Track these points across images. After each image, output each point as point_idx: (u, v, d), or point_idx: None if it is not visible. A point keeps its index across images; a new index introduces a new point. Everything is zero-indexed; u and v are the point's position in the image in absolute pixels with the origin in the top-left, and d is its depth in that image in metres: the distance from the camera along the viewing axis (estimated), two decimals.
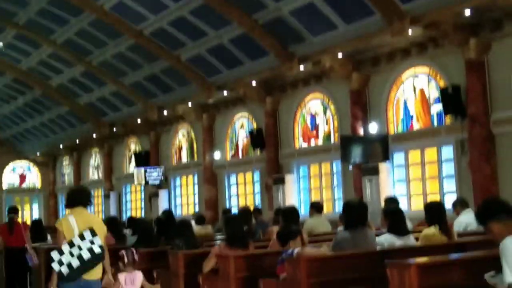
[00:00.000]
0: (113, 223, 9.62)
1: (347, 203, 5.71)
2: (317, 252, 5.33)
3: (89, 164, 26.25)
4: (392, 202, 7.85)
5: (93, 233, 5.32)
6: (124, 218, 19.72)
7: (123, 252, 5.95)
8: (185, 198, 20.70)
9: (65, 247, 5.25)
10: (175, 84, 18.09)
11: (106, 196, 23.69)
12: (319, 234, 8.59)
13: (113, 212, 22.50)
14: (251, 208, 12.09)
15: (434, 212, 5.89)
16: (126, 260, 5.87)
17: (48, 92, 22.26)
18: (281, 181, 15.59)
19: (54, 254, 5.26)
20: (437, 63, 12.23)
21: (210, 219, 16.34)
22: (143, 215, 21.60)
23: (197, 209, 19.00)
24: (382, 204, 9.15)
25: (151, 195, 20.85)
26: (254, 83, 15.64)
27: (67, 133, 24.97)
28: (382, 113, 13.42)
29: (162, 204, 19.97)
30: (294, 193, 15.70)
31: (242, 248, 6.25)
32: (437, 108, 12.40)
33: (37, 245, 9.72)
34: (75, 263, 5.22)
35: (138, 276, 5.91)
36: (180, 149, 20.68)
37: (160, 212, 14.46)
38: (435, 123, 12.50)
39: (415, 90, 12.90)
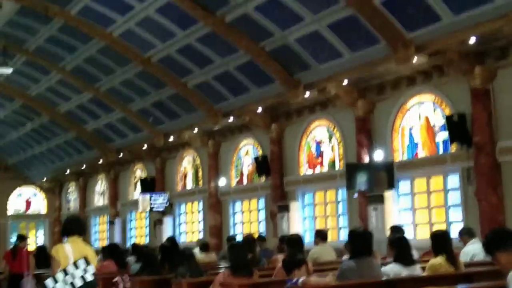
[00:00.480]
0: (115, 251, 9.60)
1: (352, 232, 5.66)
2: (322, 282, 5.27)
3: (94, 190, 26.25)
4: (397, 231, 7.80)
5: (87, 262, 5.47)
6: (128, 245, 19.64)
7: (119, 278, 6.16)
8: (189, 225, 20.61)
9: (60, 275, 5.40)
10: (181, 110, 18.17)
11: (111, 223, 23.63)
12: (324, 262, 8.52)
13: (117, 238, 22.42)
14: (256, 235, 12.03)
15: (440, 241, 5.83)
16: (121, 286, 6.09)
17: (56, 118, 22.40)
18: (286, 208, 15.53)
19: (49, 282, 5.41)
20: (443, 91, 12.25)
21: (214, 247, 16.26)
22: (147, 242, 21.50)
23: (201, 236, 18.91)
24: (388, 232, 9.09)
25: (155, 221, 20.79)
26: (260, 109, 15.69)
27: (73, 159, 25.04)
28: (388, 140, 13.41)
29: (167, 231, 19.90)
30: (299, 221, 15.62)
31: (246, 276, 6.19)
32: (442, 136, 12.38)
33: (41, 272, 9.71)
34: None
35: None
36: (185, 175, 20.68)
37: (164, 239, 14.40)
38: (441, 151, 12.46)
39: (420, 117, 12.90)
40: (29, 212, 29.25)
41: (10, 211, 28.66)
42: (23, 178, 28.62)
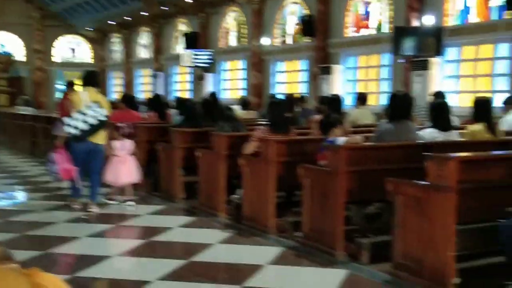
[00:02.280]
0: (157, 102, 9.84)
1: (393, 95, 5.63)
2: (354, 141, 5.34)
3: (138, 42, 26.38)
4: (439, 96, 7.69)
5: (99, 106, 6.81)
6: (171, 98, 20.05)
7: (123, 125, 7.54)
8: (232, 83, 20.78)
9: (76, 115, 6.74)
10: None
11: (154, 76, 23.99)
12: (362, 125, 8.57)
13: (161, 91, 22.81)
14: (297, 96, 12.07)
15: (481, 108, 5.75)
16: (123, 131, 7.49)
17: None
18: (328, 70, 15.41)
19: (67, 119, 6.80)
20: None
21: (255, 105, 16.46)
22: (190, 96, 21.90)
23: (243, 94, 19.11)
24: (430, 98, 9.00)
25: (198, 77, 21.00)
26: None
27: (118, 9, 24.89)
28: (439, 4, 12.84)
29: (209, 87, 20.13)
30: (341, 84, 15.55)
31: (284, 133, 6.32)
32: (497, 1, 11.77)
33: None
34: (83, 126, 6.74)
35: (129, 143, 7.56)
36: (228, 32, 20.47)
37: (206, 94, 14.62)
38: (494, 17, 11.92)
39: None
40: (75, 60, 29.78)
41: (56, 58, 29.18)
42: (68, 27, 28.81)
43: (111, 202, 7.63)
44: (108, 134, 7.16)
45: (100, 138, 6.97)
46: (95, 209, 7.13)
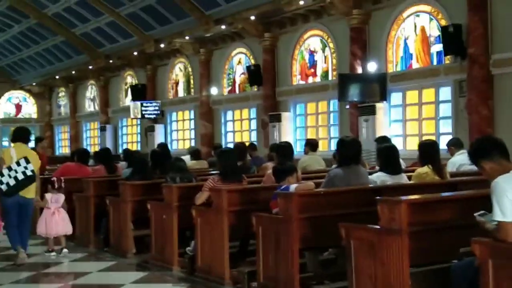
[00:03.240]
0: (106, 155, 9.69)
1: (341, 140, 5.69)
2: (307, 187, 5.36)
3: (85, 96, 26.12)
4: (384, 140, 7.82)
5: (27, 161, 7.11)
6: (120, 151, 19.78)
7: (54, 178, 7.90)
8: (181, 133, 20.72)
9: (5, 171, 7.06)
10: (172, 16, 17.76)
11: (102, 129, 23.69)
12: (313, 171, 8.63)
13: (109, 145, 22.53)
14: (247, 144, 12.10)
15: (428, 150, 5.88)
16: (56, 185, 7.76)
17: (44, 21, 21.87)
18: (277, 118, 15.57)
19: None
20: (439, 1, 12.00)
21: (205, 155, 16.40)
22: (139, 149, 21.68)
23: (192, 145, 19.05)
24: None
25: (147, 129, 20.86)
26: (252, 17, 15.36)
27: (63, 63, 24.70)
28: (382, 51, 13.26)
29: (158, 138, 19.99)
30: (290, 131, 15.71)
31: (236, 182, 6.28)
32: (437, 48, 12.25)
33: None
34: (12, 182, 7.06)
35: (61, 197, 7.83)
36: (177, 83, 20.54)
37: (155, 146, 14.49)
38: (435, 63, 12.38)
39: (416, 28, 12.71)
40: (20, 116, 29.19)
41: (0, 115, 28.56)
42: (12, 82, 28.33)
43: (50, 254, 7.69)
44: (39, 187, 7.54)
45: (29, 192, 7.28)
46: (24, 256, 7.22)
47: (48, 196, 7.75)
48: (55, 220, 7.70)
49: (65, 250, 7.74)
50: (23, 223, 7.37)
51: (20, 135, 7.51)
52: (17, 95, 29.09)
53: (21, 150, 7.28)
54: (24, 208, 7.31)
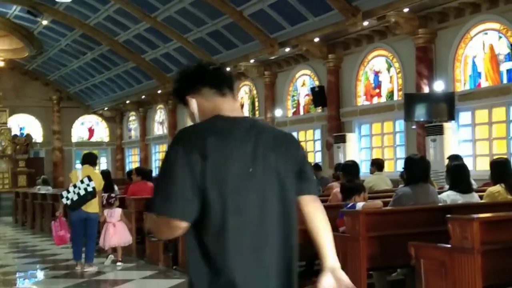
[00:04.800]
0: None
1: (409, 158, 5.65)
2: (375, 205, 5.33)
3: (154, 119, 26.85)
4: (456, 159, 7.68)
5: (90, 179, 8.09)
6: None
7: (104, 195, 8.70)
8: None
9: (71, 188, 8.11)
10: (237, 40, 18.09)
11: None
12: (379, 191, 8.55)
13: None
14: (312, 165, 12.12)
15: (500, 169, 5.73)
16: (104, 201, 8.60)
17: (115, 47, 22.72)
18: (342, 139, 15.51)
19: (63, 192, 8.28)
20: (508, 18, 11.72)
21: None
22: None
23: None
24: (446, 162, 8.98)
25: None
26: (317, 39, 15.46)
27: (133, 88, 25.52)
28: (449, 70, 13.04)
29: None
30: (355, 152, 15.60)
31: None
32: (507, 65, 11.95)
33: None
34: (75, 197, 8.01)
35: (117, 211, 8.76)
36: (242, 106, 20.82)
37: None
38: (505, 81, 12.06)
39: (484, 46, 12.44)
40: (92, 139, 30.29)
41: (74, 139, 29.74)
42: (85, 107, 29.48)
43: (117, 264, 8.66)
44: (99, 204, 8.44)
45: (92, 207, 8.17)
46: (90, 269, 8.20)
47: (105, 211, 8.69)
48: (111, 233, 8.62)
49: (119, 263, 8.64)
50: (88, 237, 8.29)
51: (88, 159, 8.61)
52: (89, 119, 30.22)
53: (86, 171, 8.27)
54: (89, 223, 8.24)
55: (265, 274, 2.11)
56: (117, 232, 8.64)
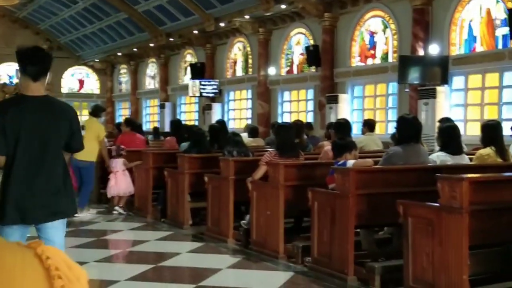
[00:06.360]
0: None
1: (402, 117, 5.63)
2: (365, 163, 5.33)
3: (146, 73, 26.60)
4: (447, 121, 7.66)
5: (82, 128, 8.41)
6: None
7: (114, 147, 9.09)
8: (238, 112, 20.85)
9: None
10: None
11: (162, 106, 24.11)
12: (370, 151, 8.56)
13: (168, 121, 22.91)
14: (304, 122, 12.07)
15: (491, 132, 5.73)
16: (114, 152, 8.96)
17: None
18: (334, 99, 15.45)
19: None
20: None
21: (261, 135, 16.48)
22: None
23: (249, 123, 19.14)
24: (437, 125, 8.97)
25: (204, 107, 21.09)
26: None
27: (125, 41, 25.19)
28: (445, 34, 12.93)
29: (215, 117, 20.16)
30: (347, 113, 15.56)
31: (292, 157, 6.31)
32: (503, 31, 11.86)
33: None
34: None
35: (120, 161, 9.02)
36: (235, 63, 20.63)
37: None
38: (500, 46, 11.99)
39: (481, 10, 12.32)
40: (82, 91, 30.02)
41: (64, 89, 29.44)
42: (76, 58, 29.10)
43: (114, 212, 8.97)
44: (106, 154, 8.92)
45: (83, 155, 7.95)
46: (81, 215, 8.45)
47: (110, 161, 9.01)
48: (112, 183, 8.98)
49: (121, 210, 8.95)
50: (82, 184, 8.66)
51: (95, 111, 9.10)
52: (80, 70, 29.88)
53: (85, 122, 8.55)
54: (82, 171, 8.59)
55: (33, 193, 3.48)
56: (117, 182, 8.96)
